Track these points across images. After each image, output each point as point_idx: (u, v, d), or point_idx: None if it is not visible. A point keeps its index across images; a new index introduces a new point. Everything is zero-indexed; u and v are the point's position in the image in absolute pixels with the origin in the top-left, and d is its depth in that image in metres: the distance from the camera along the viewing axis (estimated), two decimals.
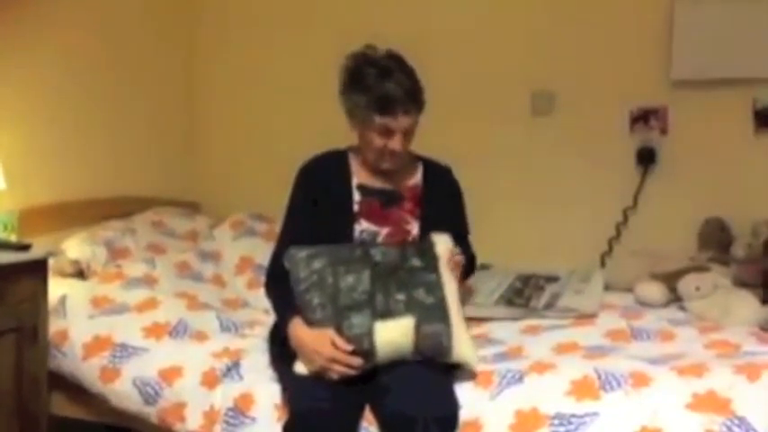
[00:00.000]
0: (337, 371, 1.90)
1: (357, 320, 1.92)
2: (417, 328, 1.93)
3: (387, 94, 2.00)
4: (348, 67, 2.08)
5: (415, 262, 2.01)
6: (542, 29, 3.14)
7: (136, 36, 3.27)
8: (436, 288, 1.99)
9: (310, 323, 1.95)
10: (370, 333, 1.91)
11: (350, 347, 1.90)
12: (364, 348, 1.91)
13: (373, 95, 2.01)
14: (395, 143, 2.04)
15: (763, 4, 2.85)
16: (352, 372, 1.91)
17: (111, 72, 3.15)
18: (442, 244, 2.06)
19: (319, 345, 1.91)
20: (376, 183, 2.15)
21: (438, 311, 1.96)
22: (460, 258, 2.09)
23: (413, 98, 2.03)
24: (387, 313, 1.94)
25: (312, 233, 2.08)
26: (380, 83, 2.01)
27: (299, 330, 1.96)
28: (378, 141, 2.06)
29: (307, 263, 1.99)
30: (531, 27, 3.16)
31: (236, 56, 3.56)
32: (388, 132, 2.04)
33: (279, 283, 2.07)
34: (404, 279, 1.98)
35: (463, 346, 1.97)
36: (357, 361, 1.90)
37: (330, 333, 1.92)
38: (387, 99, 2.00)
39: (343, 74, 2.09)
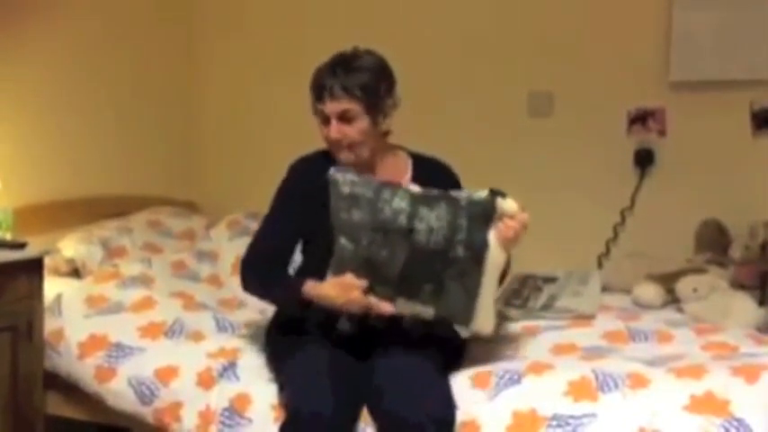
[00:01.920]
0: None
1: (380, 291, 1.93)
2: (436, 317, 1.95)
3: (317, 80, 2.08)
4: None
5: (459, 251, 1.90)
6: (540, 29, 3.14)
7: (133, 35, 3.26)
8: (472, 284, 1.92)
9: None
10: (390, 302, 1.93)
11: (365, 283, 1.93)
12: None
13: (311, 84, 2.10)
14: (331, 130, 2.07)
15: (762, 6, 2.85)
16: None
17: (108, 71, 3.14)
18: (503, 208, 1.91)
19: (348, 295, 1.94)
20: None
21: (464, 311, 1.94)
22: (525, 218, 1.93)
23: (343, 86, 2.04)
24: (411, 296, 1.94)
25: (291, 233, 2.13)
26: (320, 72, 2.09)
27: (317, 289, 1.99)
28: (323, 131, 2.10)
29: (348, 209, 1.94)
30: (528, 28, 3.15)
31: (233, 55, 3.55)
32: (324, 119, 2.09)
33: (262, 270, 2.10)
34: (439, 269, 1.91)
35: (480, 322, 1.95)
36: (387, 307, 1.93)
37: (350, 279, 1.94)
38: (318, 85, 2.08)
39: None
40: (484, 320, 1.97)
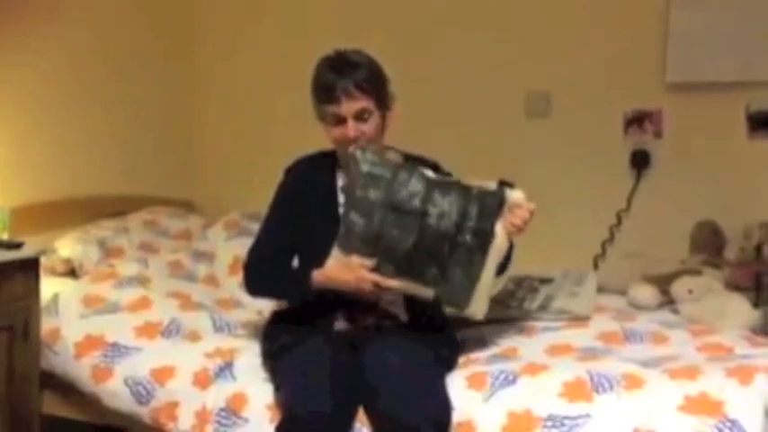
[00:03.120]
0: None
1: (384, 270, 1.97)
2: (435, 299, 2.00)
3: (326, 83, 2.06)
4: (313, 71, 2.13)
5: (467, 238, 1.95)
6: (537, 30, 3.14)
7: (133, 35, 3.26)
8: (475, 271, 1.98)
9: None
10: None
11: (374, 262, 1.97)
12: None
13: (318, 88, 2.08)
14: (348, 129, 2.06)
15: (758, 7, 2.86)
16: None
17: (106, 71, 3.14)
18: (512, 198, 1.98)
19: (359, 275, 1.97)
20: None
21: (462, 296, 1.99)
22: (532, 207, 2.00)
23: (356, 84, 2.05)
24: (414, 277, 1.97)
25: (289, 236, 2.14)
26: (324, 75, 2.08)
27: (326, 274, 2.01)
28: (335, 132, 2.09)
29: (365, 187, 1.96)
30: (525, 28, 3.16)
31: (232, 56, 3.56)
32: (340, 121, 2.07)
33: (266, 270, 2.12)
34: (446, 253, 1.96)
35: (474, 307, 2.00)
36: (393, 283, 1.98)
37: (357, 260, 1.97)
38: (327, 87, 2.06)
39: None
40: (478, 306, 2.02)
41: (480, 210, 1.97)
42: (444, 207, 1.97)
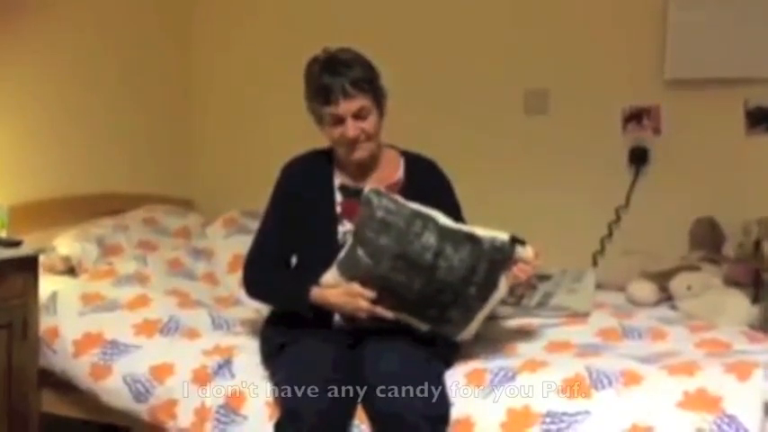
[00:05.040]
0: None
1: (383, 303, 1.99)
2: (429, 331, 2.02)
3: (323, 85, 2.06)
4: (304, 74, 2.13)
5: (472, 290, 1.98)
6: (535, 27, 3.14)
7: (131, 35, 3.25)
8: (472, 314, 2.02)
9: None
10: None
11: (374, 294, 1.98)
12: None
13: (314, 89, 2.08)
14: (348, 129, 2.06)
15: (757, 4, 2.85)
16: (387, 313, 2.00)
17: (105, 69, 3.14)
18: (521, 255, 2.01)
19: (355, 305, 1.99)
20: (358, 182, 2.15)
21: (457, 329, 2.03)
22: (538, 265, 2.05)
23: (352, 83, 2.05)
24: (413, 314, 2.00)
25: (288, 237, 2.13)
26: (319, 77, 2.07)
27: (325, 298, 2.02)
28: (335, 132, 2.08)
29: (377, 231, 1.96)
30: (523, 25, 3.16)
31: (231, 54, 3.55)
32: (339, 121, 2.07)
33: (265, 276, 2.12)
34: (448, 301, 1.99)
35: (464, 335, 2.05)
36: (389, 315, 1.99)
37: (357, 289, 1.98)
38: (324, 88, 2.06)
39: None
40: (467, 334, 2.06)
41: (489, 267, 1.99)
42: (455, 263, 1.96)
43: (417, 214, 1.99)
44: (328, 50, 2.11)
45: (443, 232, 1.98)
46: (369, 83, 2.07)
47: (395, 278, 1.96)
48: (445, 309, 1.99)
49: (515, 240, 2.01)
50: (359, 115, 2.06)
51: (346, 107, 2.05)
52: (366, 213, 1.99)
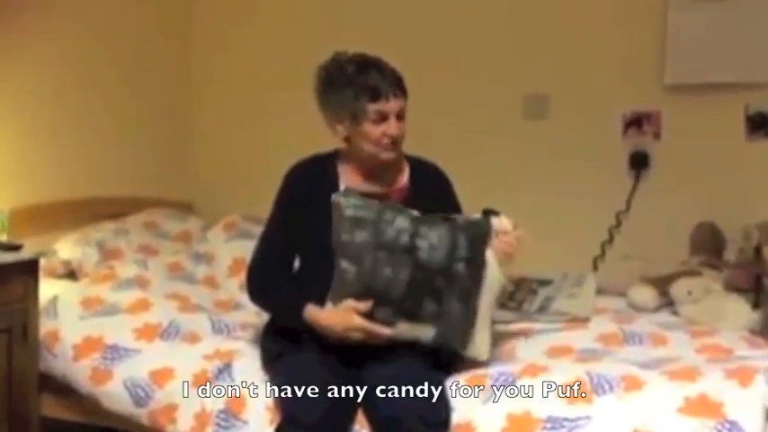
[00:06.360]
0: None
1: (380, 314, 1.95)
2: (435, 339, 1.97)
3: (373, 82, 2.07)
4: (326, 70, 2.13)
5: (460, 267, 1.95)
6: (535, 32, 3.14)
7: (131, 37, 3.26)
8: (472, 303, 1.98)
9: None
10: (389, 326, 1.96)
11: (370, 305, 1.94)
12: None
13: (360, 86, 2.07)
14: (391, 127, 2.07)
15: (757, 8, 2.86)
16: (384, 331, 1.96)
17: (105, 72, 3.14)
18: (498, 225, 2.01)
19: (347, 322, 1.95)
20: (363, 186, 2.15)
21: (462, 333, 1.98)
22: (519, 236, 2.04)
23: (396, 83, 2.09)
24: (412, 316, 1.96)
25: (292, 242, 2.13)
26: (363, 74, 2.07)
27: (317, 320, 1.99)
28: (374, 130, 2.07)
29: (350, 231, 1.96)
30: (523, 30, 3.16)
31: (231, 57, 3.55)
32: (382, 118, 2.07)
33: (269, 283, 2.10)
34: (441, 286, 1.96)
35: (477, 346, 2.00)
36: (385, 331, 1.95)
37: (350, 304, 1.95)
38: (374, 86, 2.06)
39: (320, 79, 2.13)
40: (480, 344, 2.01)
41: (469, 238, 1.98)
42: (433, 239, 1.96)
43: (386, 206, 2.00)
44: (344, 54, 2.12)
45: (416, 218, 1.99)
46: (404, 87, 2.11)
47: (381, 274, 1.93)
48: (442, 299, 1.95)
49: (488, 212, 2.01)
50: (400, 115, 2.09)
51: (395, 105, 2.07)
52: (337, 217, 1.99)
